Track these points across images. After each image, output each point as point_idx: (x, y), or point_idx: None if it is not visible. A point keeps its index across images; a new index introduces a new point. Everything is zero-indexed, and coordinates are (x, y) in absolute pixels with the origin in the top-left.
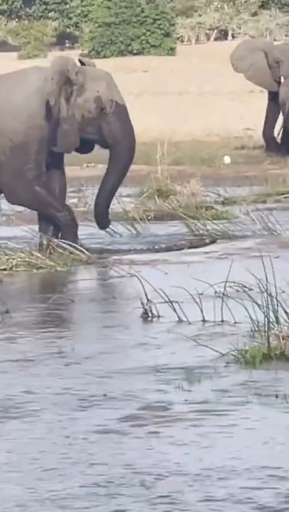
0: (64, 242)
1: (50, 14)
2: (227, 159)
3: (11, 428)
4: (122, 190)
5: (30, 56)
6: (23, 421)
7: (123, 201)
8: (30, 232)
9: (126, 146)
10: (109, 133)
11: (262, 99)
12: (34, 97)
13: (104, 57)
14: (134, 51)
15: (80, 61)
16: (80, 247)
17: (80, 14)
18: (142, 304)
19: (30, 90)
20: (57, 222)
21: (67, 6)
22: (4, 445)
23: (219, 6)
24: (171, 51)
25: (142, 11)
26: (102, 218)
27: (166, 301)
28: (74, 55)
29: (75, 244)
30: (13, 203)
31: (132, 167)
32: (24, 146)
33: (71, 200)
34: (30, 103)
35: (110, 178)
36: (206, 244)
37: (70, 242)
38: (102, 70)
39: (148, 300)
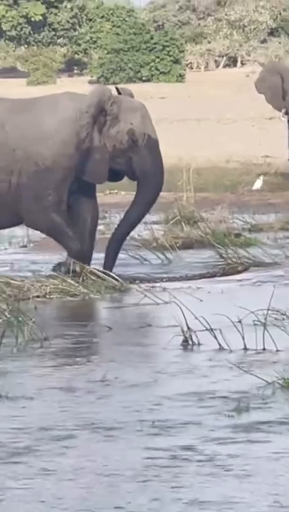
0: (99, 270)
1: (59, 40)
2: (258, 183)
3: (68, 462)
4: (146, 217)
5: (39, 82)
6: (80, 450)
7: (151, 228)
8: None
9: (155, 180)
10: (140, 166)
11: (282, 126)
12: (67, 125)
13: (113, 83)
14: (143, 78)
15: (117, 89)
16: (112, 274)
17: (88, 41)
18: (183, 331)
19: (63, 117)
20: (68, 253)
21: (76, 32)
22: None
23: (228, 32)
24: (181, 78)
25: (151, 38)
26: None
27: (206, 329)
28: (82, 81)
29: (108, 272)
30: (29, 226)
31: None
32: (49, 171)
33: (98, 228)
34: (62, 131)
35: (135, 211)
36: (238, 272)
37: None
38: (137, 101)
39: (188, 328)
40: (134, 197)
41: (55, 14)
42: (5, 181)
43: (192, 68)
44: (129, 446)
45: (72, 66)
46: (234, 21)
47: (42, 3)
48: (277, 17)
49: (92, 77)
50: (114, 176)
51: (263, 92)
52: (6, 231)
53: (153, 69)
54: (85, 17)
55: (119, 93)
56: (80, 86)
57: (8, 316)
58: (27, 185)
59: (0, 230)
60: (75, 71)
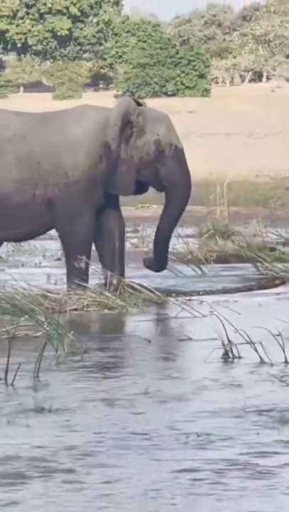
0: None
1: (84, 55)
2: None
3: (117, 473)
4: (179, 231)
5: (65, 97)
6: (128, 462)
7: (186, 242)
8: (100, 272)
9: (183, 190)
10: (167, 176)
11: None
12: (92, 136)
13: (138, 98)
14: (169, 92)
15: (135, 101)
16: (150, 287)
17: (114, 55)
18: (223, 344)
19: (88, 128)
20: (69, 267)
21: (102, 47)
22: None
23: (254, 47)
24: (206, 92)
25: (177, 52)
26: (162, 261)
27: (247, 342)
28: (108, 96)
29: (144, 284)
30: (62, 239)
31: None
32: (79, 183)
33: (131, 241)
34: (87, 141)
35: (166, 222)
36: (275, 285)
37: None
38: (161, 112)
39: (229, 341)
40: (164, 208)
41: (81, 29)
42: (29, 193)
43: (217, 83)
44: (175, 458)
45: (97, 80)
46: (259, 36)
47: (68, 18)
48: None
49: (117, 91)
50: (140, 187)
51: None
52: (40, 244)
53: (178, 83)
54: (110, 31)
55: (139, 105)
56: (106, 100)
57: (47, 328)
58: (59, 198)
59: (19, 241)
60: (101, 85)
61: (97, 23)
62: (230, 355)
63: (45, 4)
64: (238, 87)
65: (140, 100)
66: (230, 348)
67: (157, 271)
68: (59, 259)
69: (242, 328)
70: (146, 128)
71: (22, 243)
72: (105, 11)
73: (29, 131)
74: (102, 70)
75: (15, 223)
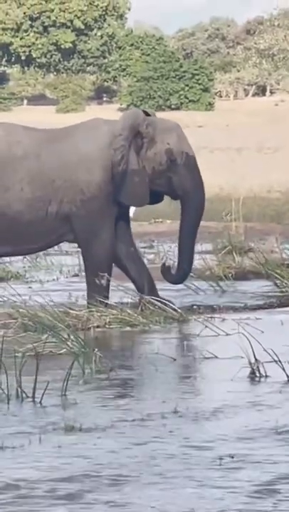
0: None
1: (88, 68)
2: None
3: (152, 494)
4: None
5: (68, 110)
6: (164, 483)
7: (205, 258)
8: (123, 290)
9: (198, 197)
10: (180, 185)
11: None
12: (105, 151)
13: None
14: (172, 106)
15: (145, 112)
16: (171, 305)
17: (118, 68)
18: (250, 363)
19: (100, 143)
20: (89, 282)
21: (106, 60)
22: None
23: (258, 61)
24: (210, 106)
25: (181, 66)
26: (185, 272)
27: (274, 361)
28: (112, 109)
29: (166, 301)
30: (85, 257)
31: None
32: (96, 198)
33: (148, 257)
34: (101, 156)
35: (186, 231)
36: None
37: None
38: (171, 121)
39: (256, 359)
40: (182, 217)
41: (85, 42)
42: (42, 210)
43: (221, 96)
44: (210, 480)
45: (101, 94)
46: (263, 50)
47: (72, 31)
48: None
49: (121, 104)
50: (155, 197)
51: None
52: (55, 259)
53: (182, 97)
54: (114, 45)
55: (148, 115)
56: (110, 113)
57: (71, 346)
58: (77, 215)
59: (30, 254)
60: (104, 98)
61: (101, 36)
62: (258, 374)
63: (49, 17)
64: (242, 100)
65: (149, 110)
66: (257, 367)
67: (179, 282)
68: (76, 275)
69: (267, 347)
70: (157, 138)
71: (38, 259)
72: (109, 25)
73: (42, 148)
74: (105, 83)
75: (27, 239)
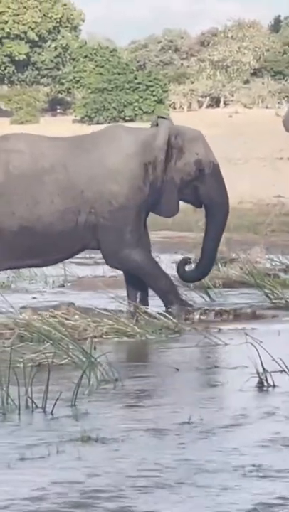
0: (171, 308)
1: (42, 80)
2: None
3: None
4: (175, 257)
5: (23, 121)
6: (190, 495)
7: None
8: (116, 299)
9: (224, 205)
10: (206, 194)
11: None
12: (132, 160)
13: (96, 123)
14: (127, 118)
15: (162, 118)
16: (167, 315)
17: (72, 80)
18: (258, 373)
19: (128, 153)
20: (156, 291)
21: (60, 71)
22: None
23: (212, 73)
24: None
25: (135, 78)
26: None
27: (283, 370)
28: (66, 120)
29: (163, 312)
30: (112, 267)
31: (173, 234)
32: (124, 209)
33: None
34: (129, 166)
35: (212, 236)
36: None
37: (178, 308)
38: (195, 130)
39: (264, 369)
40: (207, 224)
41: (39, 53)
42: (72, 221)
43: (175, 108)
44: (235, 489)
45: (55, 105)
46: (217, 62)
47: (26, 43)
48: (260, 57)
49: (75, 116)
50: None
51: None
52: (38, 270)
53: (137, 109)
54: (68, 56)
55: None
56: (64, 125)
57: (72, 356)
58: (105, 227)
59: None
60: (58, 110)
61: (55, 48)
62: (266, 384)
63: (3, 29)
64: (196, 112)
65: (166, 117)
66: (265, 377)
67: (195, 280)
68: (62, 286)
69: (269, 356)
70: (185, 148)
71: (21, 269)
72: (63, 36)
73: (68, 159)
74: (59, 95)
75: (57, 249)
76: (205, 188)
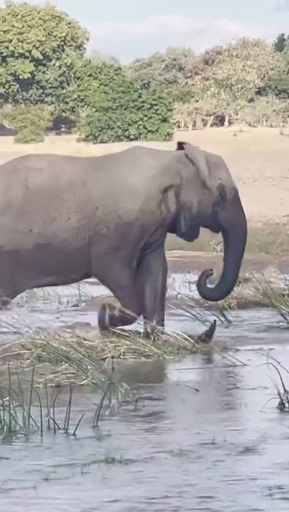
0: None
1: (46, 98)
2: None
3: None
4: (188, 276)
5: (27, 140)
6: None
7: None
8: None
9: (243, 230)
10: (226, 219)
11: None
12: (151, 183)
13: (101, 141)
14: (131, 136)
15: (180, 143)
16: (184, 335)
17: (76, 99)
18: (279, 393)
19: (147, 175)
20: (127, 318)
21: (64, 90)
22: None
23: (216, 91)
24: (168, 136)
25: (140, 96)
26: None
27: None
28: (70, 139)
29: (179, 332)
30: (96, 277)
31: (186, 253)
32: (130, 226)
33: None
34: (146, 188)
35: (233, 260)
36: None
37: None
38: (216, 155)
39: (285, 390)
40: (226, 250)
41: (43, 72)
42: (86, 238)
43: (179, 127)
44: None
45: (59, 124)
46: (222, 80)
47: (30, 61)
48: (264, 76)
49: (80, 135)
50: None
51: None
52: (52, 289)
53: (141, 127)
54: (72, 75)
55: (181, 148)
56: (69, 144)
57: (90, 377)
58: (103, 235)
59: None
60: (63, 129)
61: (60, 67)
62: (287, 405)
63: (7, 47)
64: (201, 131)
65: (186, 143)
66: (287, 398)
67: (212, 299)
68: (76, 305)
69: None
70: (209, 173)
71: (35, 289)
72: (68, 55)
73: (87, 178)
74: (63, 114)
75: (72, 267)
76: (225, 213)
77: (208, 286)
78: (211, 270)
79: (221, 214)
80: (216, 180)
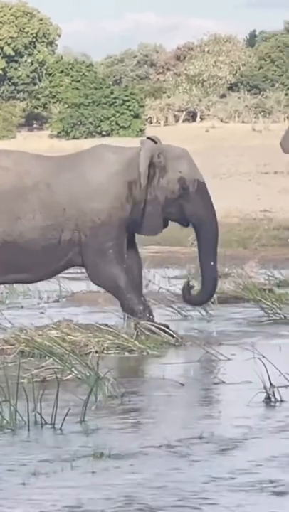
0: (152, 325)
1: (18, 95)
2: None
3: None
4: (167, 272)
5: None
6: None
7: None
8: (116, 314)
9: (211, 223)
10: (193, 212)
11: (280, 180)
12: (115, 179)
13: (73, 138)
14: (104, 132)
15: (152, 140)
16: (168, 330)
17: (48, 95)
18: (265, 388)
19: (111, 172)
20: (128, 312)
21: (36, 86)
22: None
23: (188, 87)
24: (141, 132)
25: (112, 92)
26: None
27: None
28: (42, 136)
29: (163, 327)
30: (95, 283)
31: (164, 248)
32: (105, 226)
33: None
34: (112, 185)
35: (207, 256)
36: None
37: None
38: (180, 148)
39: (271, 384)
40: (199, 245)
41: (15, 69)
42: (55, 238)
43: (151, 123)
44: (254, 504)
45: (31, 120)
46: (193, 76)
47: (2, 58)
48: (236, 72)
49: (52, 131)
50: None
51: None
52: (34, 285)
53: (113, 123)
54: (44, 71)
55: (155, 142)
56: (41, 140)
57: (76, 372)
58: (86, 243)
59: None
60: (35, 125)
61: (31, 63)
62: (273, 399)
63: None
64: (173, 127)
65: (154, 137)
66: (273, 392)
67: (201, 304)
68: (57, 301)
69: (272, 371)
70: (168, 166)
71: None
72: (39, 51)
73: (52, 178)
74: (36, 110)
75: (42, 266)
76: (191, 207)
77: (192, 293)
78: (193, 286)
79: (186, 207)
80: (176, 174)
